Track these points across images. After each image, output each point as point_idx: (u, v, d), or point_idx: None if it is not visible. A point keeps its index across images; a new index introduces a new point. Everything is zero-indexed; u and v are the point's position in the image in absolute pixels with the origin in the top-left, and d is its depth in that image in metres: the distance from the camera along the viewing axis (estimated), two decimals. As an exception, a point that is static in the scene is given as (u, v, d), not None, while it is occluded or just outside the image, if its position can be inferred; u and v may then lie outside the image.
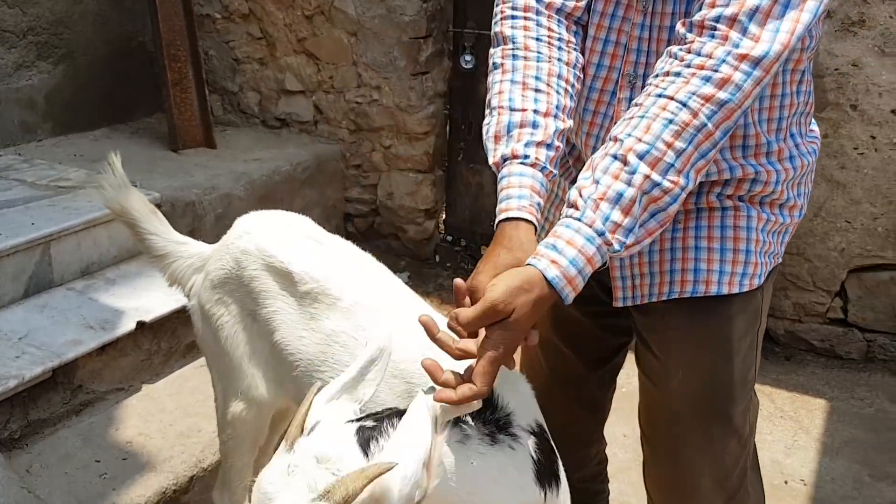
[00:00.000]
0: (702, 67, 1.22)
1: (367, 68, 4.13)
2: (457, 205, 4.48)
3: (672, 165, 1.22)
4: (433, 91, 4.12)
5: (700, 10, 1.26)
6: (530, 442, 1.33)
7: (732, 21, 1.22)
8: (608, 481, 2.04)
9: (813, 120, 1.56)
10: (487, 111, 1.42)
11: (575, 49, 1.44)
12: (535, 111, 1.36)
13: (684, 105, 1.21)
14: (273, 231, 1.80)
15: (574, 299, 1.21)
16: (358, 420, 1.19)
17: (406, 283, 1.77)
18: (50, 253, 2.86)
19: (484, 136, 1.41)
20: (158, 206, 3.14)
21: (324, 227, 1.85)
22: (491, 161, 1.38)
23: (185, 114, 4.05)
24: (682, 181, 1.22)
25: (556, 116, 1.37)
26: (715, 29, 1.23)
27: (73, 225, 2.89)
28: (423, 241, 4.41)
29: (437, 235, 4.49)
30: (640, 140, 1.22)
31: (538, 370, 1.81)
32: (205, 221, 3.45)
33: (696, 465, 1.51)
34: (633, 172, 1.21)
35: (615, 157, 1.23)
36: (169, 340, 2.90)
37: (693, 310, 1.45)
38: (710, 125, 1.21)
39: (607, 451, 2.03)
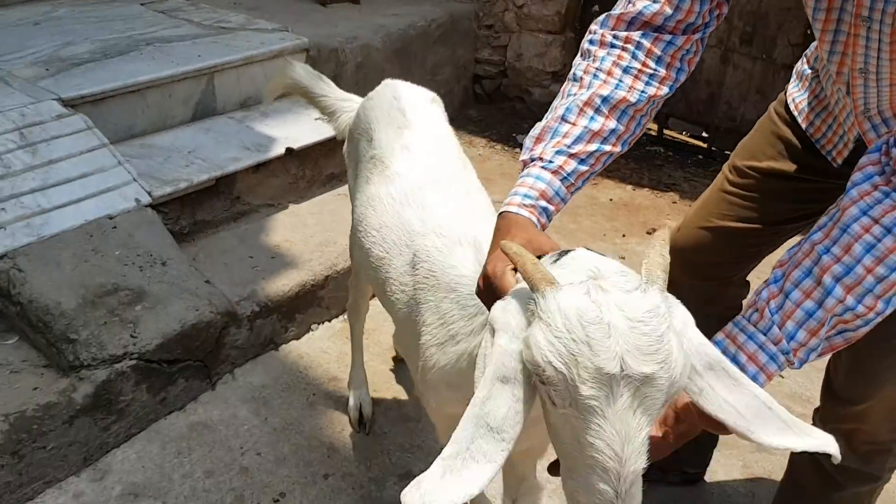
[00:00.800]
0: None
1: (506, -74, 4.20)
2: (585, 70, 4.55)
3: (870, 291, 1.13)
4: (569, -50, 4.16)
5: None
6: None
7: None
8: None
9: None
10: (545, 117, 1.37)
11: (670, 85, 1.37)
12: (586, 128, 1.30)
13: (889, 231, 1.12)
14: (382, 99, 1.94)
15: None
16: None
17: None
18: (214, 83, 3.25)
19: (527, 137, 1.37)
20: (307, 50, 3.48)
21: (454, 88, 2.03)
22: (521, 159, 1.36)
23: (333, -30, 4.32)
24: (879, 306, 1.13)
25: (605, 139, 1.32)
26: None
27: (233, 60, 3.25)
28: (547, 105, 4.54)
29: (563, 100, 4.61)
30: (838, 260, 1.13)
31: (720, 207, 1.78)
32: (346, 69, 3.75)
33: None
34: (827, 293, 1.14)
35: (809, 273, 1.16)
36: (312, 169, 3.27)
37: None
38: None
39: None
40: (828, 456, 1.09)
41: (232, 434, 2.36)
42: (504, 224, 1.25)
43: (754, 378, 1.15)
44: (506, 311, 1.00)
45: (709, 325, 1.53)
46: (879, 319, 1.15)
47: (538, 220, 1.27)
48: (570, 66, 1.38)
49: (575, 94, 1.34)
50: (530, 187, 1.28)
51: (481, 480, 0.94)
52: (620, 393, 0.87)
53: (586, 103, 1.32)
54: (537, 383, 0.94)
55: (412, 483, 0.95)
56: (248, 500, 2.15)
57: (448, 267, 1.46)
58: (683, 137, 4.44)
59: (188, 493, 2.16)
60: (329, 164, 3.32)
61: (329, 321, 2.89)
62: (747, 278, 1.91)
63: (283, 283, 2.70)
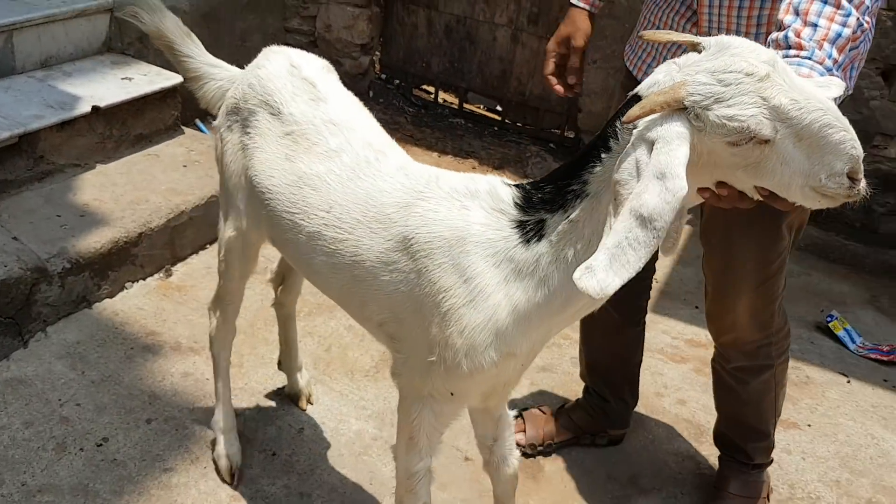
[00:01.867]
0: None
1: None
2: (392, 44, 4.80)
3: (868, 7, 1.41)
4: (373, -74, 4.35)
5: None
6: None
7: None
8: (651, 286, 2.35)
9: None
10: None
11: None
12: None
13: None
14: (279, 69, 1.78)
15: None
16: None
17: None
18: (12, 42, 3.12)
19: None
20: (110, 10, 3.43)
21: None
22: None
23: (134, -69, 4.22)
24: (873, 21, 1.43)
25: None
26: None
27: (32, 18, 3.14)
28: (358, 76, 4.73)
29: (372, 72, 4.82)
30: None
31: None
32: (152, 32, 3.71)
33: (748, 254, 1.86)
34: (847, 15, 1.36)
35: (826, 1, 1.36)
36: (120, 129, 3.24)
37: None
38: None
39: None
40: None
41: (49, 388, 2.37)
42: (567, 16, 1.98)
43: None
44: (664, 128, 1.15)
45: (628, 286, 1.84)
46: (869, 35, 1.46)
47: (591, 4, 1.96)
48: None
49: None
50: None
51: (639, 263, 1.12)
52: None
53: None
54: (745, 149, 1.15)
55: (584, 270, 1.14)
56: (70, 447, 2.19)
57: (451, 221, 1.44)
58: (480, 110, 4.81)
59: (7, 442, 2.16)
60: (138, 124, 3.31)
61: (144, 279, 2.93)
62: None
63: (94, 241, 2.71)
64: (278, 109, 1.72)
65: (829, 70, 1.31)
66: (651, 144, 1.15)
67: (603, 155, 1.29)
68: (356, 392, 2.52)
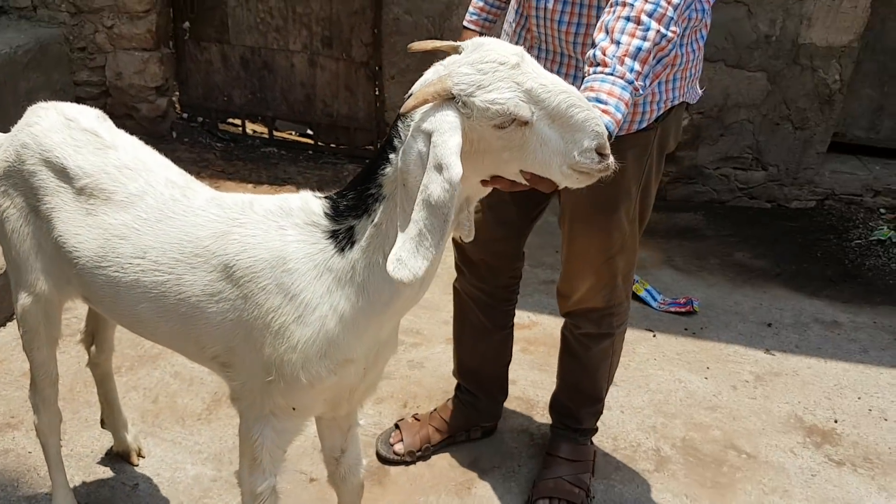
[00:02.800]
0: None
1: (77, -52, 4.20)
2: (189, 83, 4.73)
3: (672, 19, 1.53)
4: (149, -31, 4.30)
5: None
6: None
7: None
8: (518, 292, 2.45)
9: None
10: None
11: None
12: None
13: None
14: (54, 124, 1.74)
15: None
16: None
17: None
18: None
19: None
20: None
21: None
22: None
23: None
24: (678, 30, 1.54)
25: None
26: None
27: None
28: (157, 119, 4.64)
29: (172, 113, 4.73)
30: (646, 2, 1.51)
31: None
32: (-81, 102, 3.49)
33: (587, 242, 2.07)
34: (646, 29, 1.49)
35: (629, 19, 1.50)
36: None
37: None
38: None
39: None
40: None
41: None
42: (462, 38, 1.95)
43: (616, 108, 1.45)
44: (436, 119, 1.28)
45: (496, 294, 2.36)
46: (677, 42, 1.58)
47: (480, 27, 2.18)
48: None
49: None
50: (472, 4, 2.21)
51: (440, 245, 1.28)
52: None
53: None
54: (509, 131, 1.28)
55: (395, 262, 1.27)
56: None
57: (269, 243, 1.49)
58: (292, 136, 4.84)
59: None
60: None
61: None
62: (523, 250, 2.35)
63: None
64: (62, 165, 1.68)
65: (630, 83, 1.47)
66: (428, 135, 1.28)
67: (391, 155, 1.38)
68: (189, 437, 2.49)
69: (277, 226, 1.51)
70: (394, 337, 1.67)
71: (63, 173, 1.68)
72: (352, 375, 1.59)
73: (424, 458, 2.47)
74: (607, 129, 1.39)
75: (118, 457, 2.39)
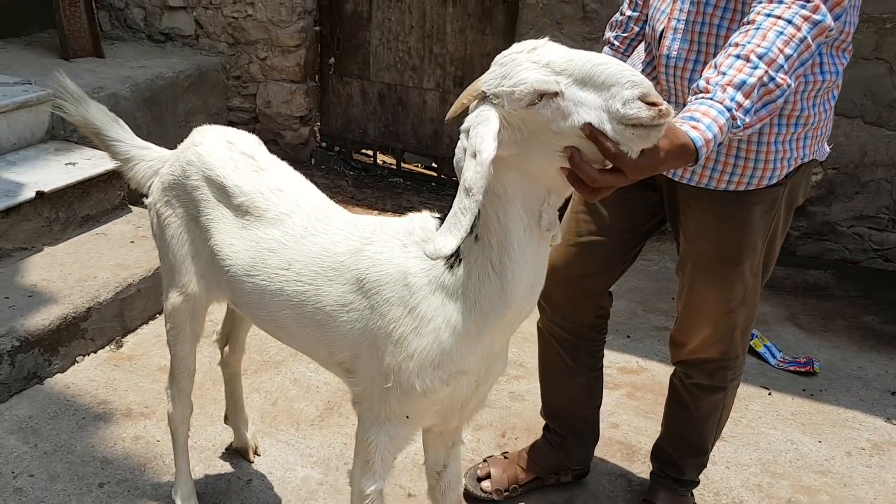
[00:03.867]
0: None
1: (241, -15, 4.59)
2: (330, 114, 5.04)
3: (782, 66, 1.52)
4: (302, 7, 4.63)
5: None
6: None
7: None
8: (606, 332, 2.41)
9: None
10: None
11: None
12: (630, 17, 2.12)
13: (790, 22, 1.54)
14: (216, 145, 1.93)
15: None
16: None
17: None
18: (-45, 135, 3.29)
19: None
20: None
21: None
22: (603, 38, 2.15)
23: (75, 26, 4.44)
24: (788, 80, 1.54)
25: (645, 22, 2.06)
26: None
27: (-25, 112, 3.32)
28: (299, 146, 4.96)
29: (312, 141, 5.04)
30: (759, 45, 1.52)
31: (573, 225, 2.19)
32: (95, 118, 3.89)
33: (708, 295, 2.04)
34: (754, 68, 1.50)
35: (738, 56, 1.52)
36: (66, 211, 3.39)
37: (715, 198, 1.92)
38: (808, 38, 1.55)
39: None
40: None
41: (2, 462, 2.46)
42: None
43: (708, 127, 1.43)
44: (471, 116, 1.36)
45: (581, 334, 2.31)
46: (789, 92, 1.55)
47: None
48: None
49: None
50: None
51: (467, 225, 1.32)
52: None
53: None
54: (543, 105, 1.30)
55: (427, 241, 1.38)
56: (24, 515, 2.28)
57: (394, 260, 1.61)
58: (418, 168, 5.05)
59: (-40, 515, 2.24)
60: (84, 206, 3.46)
61: (95, 352, 3.04)
62: (610, 290, 2.33)
63: (43, 318, 2.82)
64: (222, 183, 1.86)
65: (728, 109, 1.46)
66: (468, 132, 1.36)
67: None
68: (301, 441, 2.64)
69: (401, 244, 1.63)
70: (504, 353, 1.74)
71: (222, 190, 1.87)
72: (464, 387, 1.66)
73: (513, 498, 2.45)
74: (694, 143, 1.39)
75: (236, 452, 2.56)
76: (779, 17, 1.55)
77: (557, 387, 2.44)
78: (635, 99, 1.25)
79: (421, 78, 4.71)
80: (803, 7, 1.56)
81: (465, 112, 1.41)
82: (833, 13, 1.59)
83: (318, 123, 5.06)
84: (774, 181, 1.90)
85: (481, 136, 1.32)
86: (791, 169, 1.91)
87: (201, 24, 4.79)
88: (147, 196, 2.09)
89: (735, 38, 1.57)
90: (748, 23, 1.58)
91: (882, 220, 4.05)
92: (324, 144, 5.08)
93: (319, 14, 4.77)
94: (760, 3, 1.59)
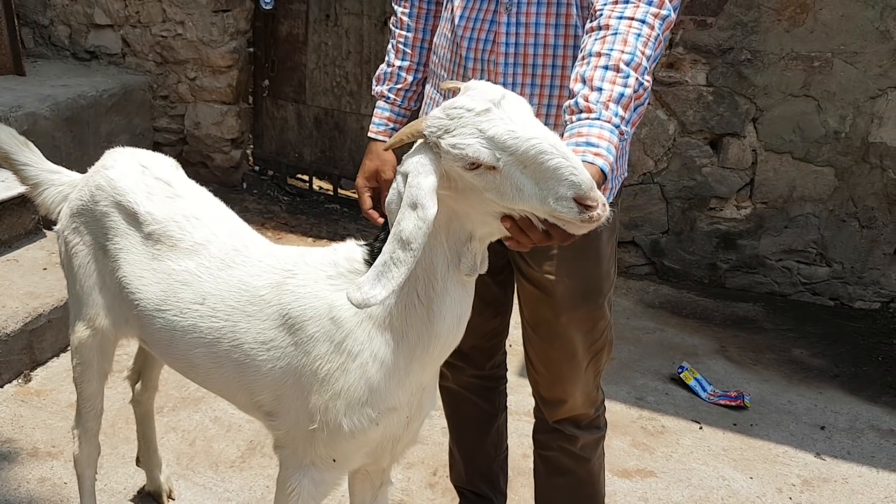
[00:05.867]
0: None
1: (171, 4, 4.47)
2: (264, 137, 4.92)
3: (647, 68, 1.52)
4: (235, 28, 4.53)
5: None
6: None
7: None
8: (507, 370, 2.34)
9: None
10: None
11: (437, 17, 1.92)
12: (400, 67, 1.96)
13: (643, 22, 1.53)
14: (129, 169, 1.83)
15: None
16: None
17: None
18: None
19: (375, 74, 2.02)
20: (-37, 118, 3.41)
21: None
22: (372, 92, 2.01)
23: (-7, 41, 4.25)
24: (651, 79, 1.56)
25: (416, 70, 1.96)
26: None
27: None
28: (230, 169, 4.82)
29: (245, 165, 4.92)
30: (623, 52, 1.50)
31: None
32: (11, 137, 3.70)
33: (575, 338, 1.90)
34: (626, 77, 1.48)
35: (607, 67, 1.49)
36: (-26, 236, 3.20)
37: None
38: (661, 35, 1.56)
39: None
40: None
41: None
42: (368, 149, 1.95)
43: (608, 150, 1.42)
44: (411, 161, 1.31)
45: (492, 376, 2.21)
46: (649, 88, 1.56)
47: (387, 137, 1.92)
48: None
49: (390, 42, 2.00)
50: (379, 117, 1.96)
51: (401, 278, 1.28)
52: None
53: (396, 50, 1.97)
54: (480, 173, 1.27)
55: (353, 287, 1.29)
56: None
57: (318, 293, 1.53)
58: (355, 195, 4.95)
59: None
60: (-6, 232, 3.27)
61: (1, 387, 2.85)
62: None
63: (-56, 350, 2.64)
64: (133, 210, 1.76)
65: (616, 126, 1.45)
66: (405, 176, 1.31)
67: None
68: (220, 484, 2.50)
69: (326, 275, 1.55)
70: (434, 385, 1.67)
71: (133, 217, 1.76)
72: (395, 424, 1.59)
73: None
74: (602, 170, 1.37)
75: (150, 497, 2.41)
76: (632, 19, 1.53)
77: (477, 442, 2.31)
78: (569, 199, 1.25)
79: (359, 103, 4.64)
80: (650, 4, 1.55)
81: (403, 146, 1.37)
82: (673, 4, 1.58)
83: (251, 146, 4.94)
84: (611, 199, 1.83)
85: (423, 189, 1.29)
86: (620, 186, 1.88)
87: (129, 42, 4.64)
88: (56, 223, 1.97)
89: (594, 45, 1.53)
90: (601, 28, 1.55)
91: (810, 255, 4.14)
92: (257, 168, 4.96)
93: (254, 35, 4.68)
94: (605, 4, 1.56)
